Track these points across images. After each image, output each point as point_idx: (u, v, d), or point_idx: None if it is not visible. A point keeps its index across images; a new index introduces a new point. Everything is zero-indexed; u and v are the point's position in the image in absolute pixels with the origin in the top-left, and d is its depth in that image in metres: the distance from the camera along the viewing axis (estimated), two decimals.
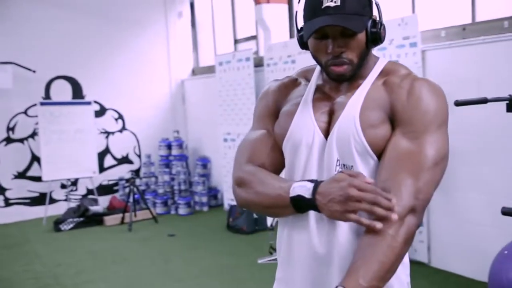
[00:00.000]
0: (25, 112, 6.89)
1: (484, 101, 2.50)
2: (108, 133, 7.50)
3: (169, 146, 7.34)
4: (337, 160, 1.29)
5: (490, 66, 3.76)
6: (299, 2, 1.40)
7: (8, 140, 6.83)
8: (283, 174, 1.42)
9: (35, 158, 6.93)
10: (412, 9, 4.51)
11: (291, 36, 6.09)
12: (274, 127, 1.44)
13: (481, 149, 3.85)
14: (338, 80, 1.33)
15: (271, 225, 4.90)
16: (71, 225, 6.32)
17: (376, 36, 1.30)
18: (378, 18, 1.31)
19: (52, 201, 6.99)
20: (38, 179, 6.81)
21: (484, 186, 3.86)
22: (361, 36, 1.28)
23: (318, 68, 1.43)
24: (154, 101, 7.82)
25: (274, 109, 1.46)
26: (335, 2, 1.24)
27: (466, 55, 3.94)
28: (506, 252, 2.67)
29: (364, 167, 1.27)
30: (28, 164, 6.93)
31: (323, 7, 1.24)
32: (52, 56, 7.01)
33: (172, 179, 7.21)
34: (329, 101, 1.37)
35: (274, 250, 4.48)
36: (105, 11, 7.35)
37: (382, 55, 4.35)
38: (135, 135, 7.68)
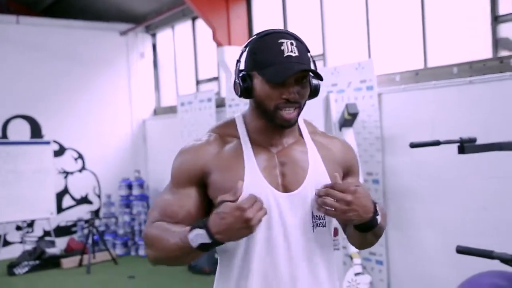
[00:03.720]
0: None
1: (437, 143, 2.62)
2: (67, 173, 7.37)
3: (129, 186, 7.26)
4: (312, 213, 1.41)
5: (442, 109, 3.94)
6: (244, 50, 1.44)
7: None
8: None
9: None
10: (368, 54, 4.71)
11: None
12: (213, 189, 1.40)
13: (435, 189, 4.00)
14: (283, 126, 1.40)
15: None
16: (26, 269, 6.11)
17: (317, 90, 1.45)
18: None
19: (6, 243, 6.75)
20: None
21: (439, 225, 3.98)
22: (308, 88, 1.41)
23: (239, 121, 1.47)
24: (115, 140, 7.77)
25: (199, 171, 1.41)
26: (295, 53, 1.35)
27: (419, 98, 4.12)
28: None
29: (330, 219, 1.45)
30: None
31: (285, 55, 1.34)
32: (10, 95, 6.92)
33: (133, 219, 7.10)
34: (269, 155, 1.43)
35: None
36: (66, 50, 7.34)
37: (341, 97, 4.51)
38: (95, 175, 7.57)
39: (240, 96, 1.41)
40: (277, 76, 1.33)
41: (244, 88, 1.39)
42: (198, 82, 7.18)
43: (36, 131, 7.12)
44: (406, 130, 4.14)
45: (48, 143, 6.93)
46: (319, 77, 1.39)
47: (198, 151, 1.44)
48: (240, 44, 6.08)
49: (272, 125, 1.41)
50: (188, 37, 7.28)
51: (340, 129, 4.09)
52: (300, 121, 1.51)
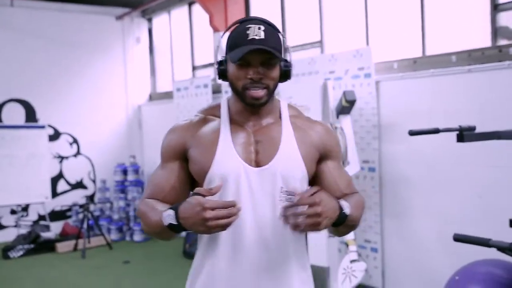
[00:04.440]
0: None
1: (436, 131, 2.62)
2: (62, 158, 7.34)
3: (124, 171, 7.24)
4: (281, 187, 1.49)
5: (440, 98, 3.94)
6: (221, 37, 1.61)
7: None
8: None
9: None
10: (366, 41, 4.69)
11: None
12: (191, 164, 1.54)
13: (433, 178, 4.00)
14: (252, 105, 1.50)
15: None
16: (21, 252, 6.10)
17: (287, 73, 1.53)
18: (289, 60, 1.54)
19: (1, 227, 6.74)
20: None
21: (436, 213, 4.00)
22: (277, 70, 1.50)
23: (223, 104, 1.59)
24: (111, 126, 7.73)
25: (181, 146, 1.55)
26: (259, 36, 1.44)
27: (417, 87, 4.12)
28: (457, 277, 2.78)
29: (301, 191, 1.48)
30: None
31: (249, 38, 1.44)
32: (4, 79, 6.86)
33: (128, 204, 7.09)
34: (246, 133, 1.54)
35: None
36: (61, 34, 7.27)
37: (338, 85, 4.49)
38: (90, 160, 7.54)
39: (218, 79, 1.54)
40: (236, 55, 1.43)
41: (220, 71, 1.53)
42: (194, 68, 7.14)
43: (30, 115, 7.07)
44: (404, 118, 4.14)
45: (43, 127, 6.88)
46: (283, 59, 1.49)
47: (182, 130, 1.57)
48: None
49: (247, 106, 1.51)
50: (184, 22, 7.22)
51: (338, 117, 4.08)
52: (284, 105, 1.61)
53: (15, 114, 6.95)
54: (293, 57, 5.69)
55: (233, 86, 1.51)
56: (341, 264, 3.89)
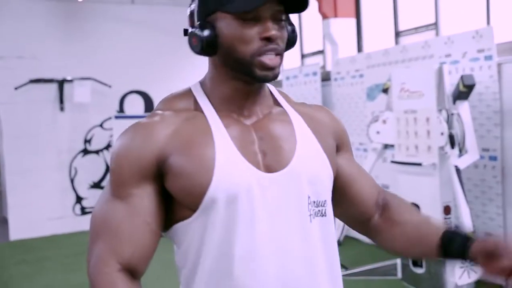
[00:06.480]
0: (101, 125, 7.22)
1: None
2: None
3: None
4: (308, 197, 1.09)
5: None
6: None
7: (85, 152, 7.17)
8: (210, 241, 1.04)
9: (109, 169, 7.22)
10: (487, 20, 4.38)
11: (359, 50, 6.06)
12: (174, 179, 1.04)
13: None
14: (265, 79, 1.06)
15: (338, 240, 4.86)
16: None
17: (294, 37, 1.14)
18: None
19: None
20: None
21: None
22: (286, 30, 1.09)
23: (197, 91, 1.14)
24: None
25: (154, 157, 1.04)
26: None
27: None
28: None
29: (329, 199, 1.15)
30: (103, 175, 7.24)
31: None
32: (126, 72, 7.32)
33: None
34: (243, 128, 1.09)
35: (343, 267, 4.43)
36: (179, 28, 7.56)
37: (455, 69, 4.25)
38: None
39: (200, 52, 1.08)
40: (248, 3, 0.99)
41: (207, 39, 1.04)
42: (303, 56, 7.13)
43: (149, 105, 7.50)
44: None
45: None
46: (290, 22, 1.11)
47: (150, 133, 1.07)
48: (346, 17, 5.94)
49: (244, 87, 1.09)
50: None
51: (454, 102, 3.86)
52: (272, 88, 1.20)
53: (135, 104, 7.42)
54: (406, 41, 5.51)
55: (233, 55, 1.04)
56: None
